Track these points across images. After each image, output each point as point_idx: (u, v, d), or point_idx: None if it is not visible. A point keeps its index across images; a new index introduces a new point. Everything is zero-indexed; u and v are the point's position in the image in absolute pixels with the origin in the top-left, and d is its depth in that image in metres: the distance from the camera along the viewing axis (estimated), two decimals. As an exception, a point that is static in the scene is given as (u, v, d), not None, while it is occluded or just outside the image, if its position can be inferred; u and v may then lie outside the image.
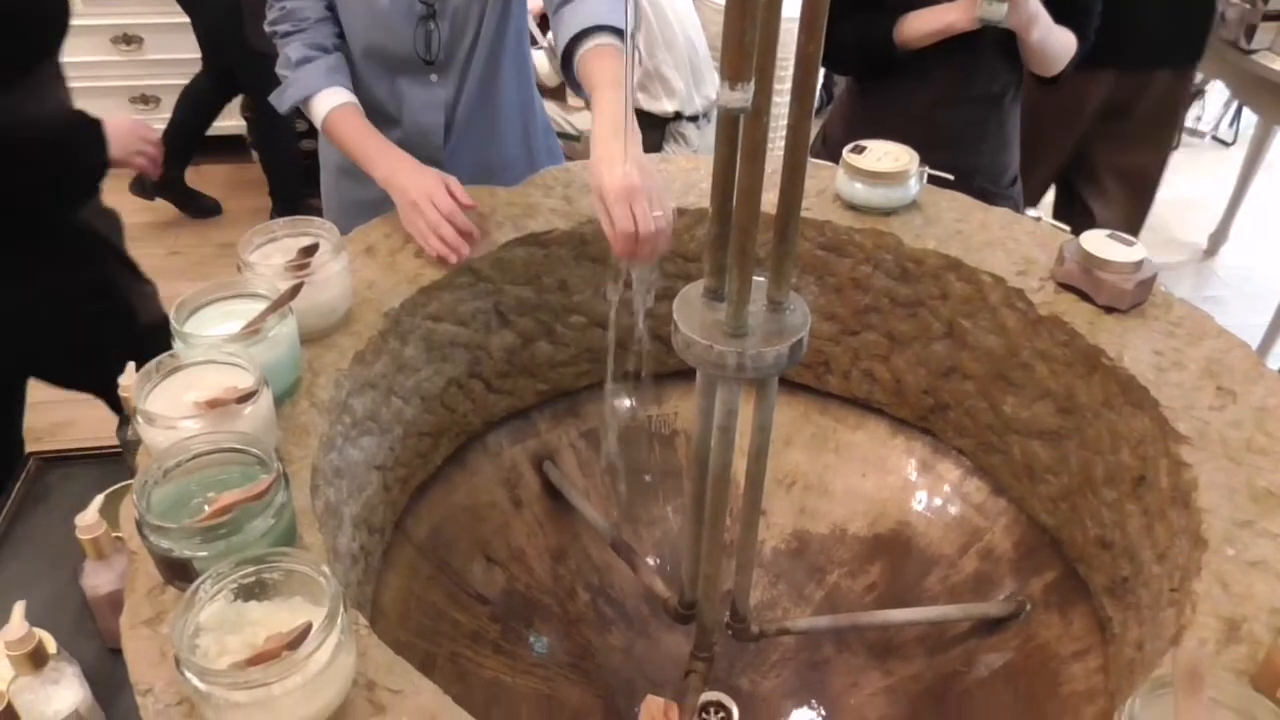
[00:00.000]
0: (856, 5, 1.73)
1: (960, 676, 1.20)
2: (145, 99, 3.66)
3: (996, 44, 1.72)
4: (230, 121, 3.55)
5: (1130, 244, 1.17)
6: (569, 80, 1.31)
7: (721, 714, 1.20)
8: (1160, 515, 1.01)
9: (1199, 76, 3.51)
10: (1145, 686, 0.62)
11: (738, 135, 0.82)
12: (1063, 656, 1.15)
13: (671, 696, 1.23)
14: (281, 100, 1.41)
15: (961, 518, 1.33)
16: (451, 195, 1.24)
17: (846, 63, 1.90)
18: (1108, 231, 1.19)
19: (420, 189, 1.24)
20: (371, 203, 1.49)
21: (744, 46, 0.67)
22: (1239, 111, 4.09)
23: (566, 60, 1.27)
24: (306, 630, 0.62)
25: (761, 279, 0.87)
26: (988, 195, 1.47)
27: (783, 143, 0.79)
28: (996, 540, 1.29)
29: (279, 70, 1.42)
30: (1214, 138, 4.19)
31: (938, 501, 1.35)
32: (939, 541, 1.32)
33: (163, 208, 3.46)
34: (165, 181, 3.38)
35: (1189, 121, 4.14)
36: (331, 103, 1.37)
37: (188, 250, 3.36)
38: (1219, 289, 3.37)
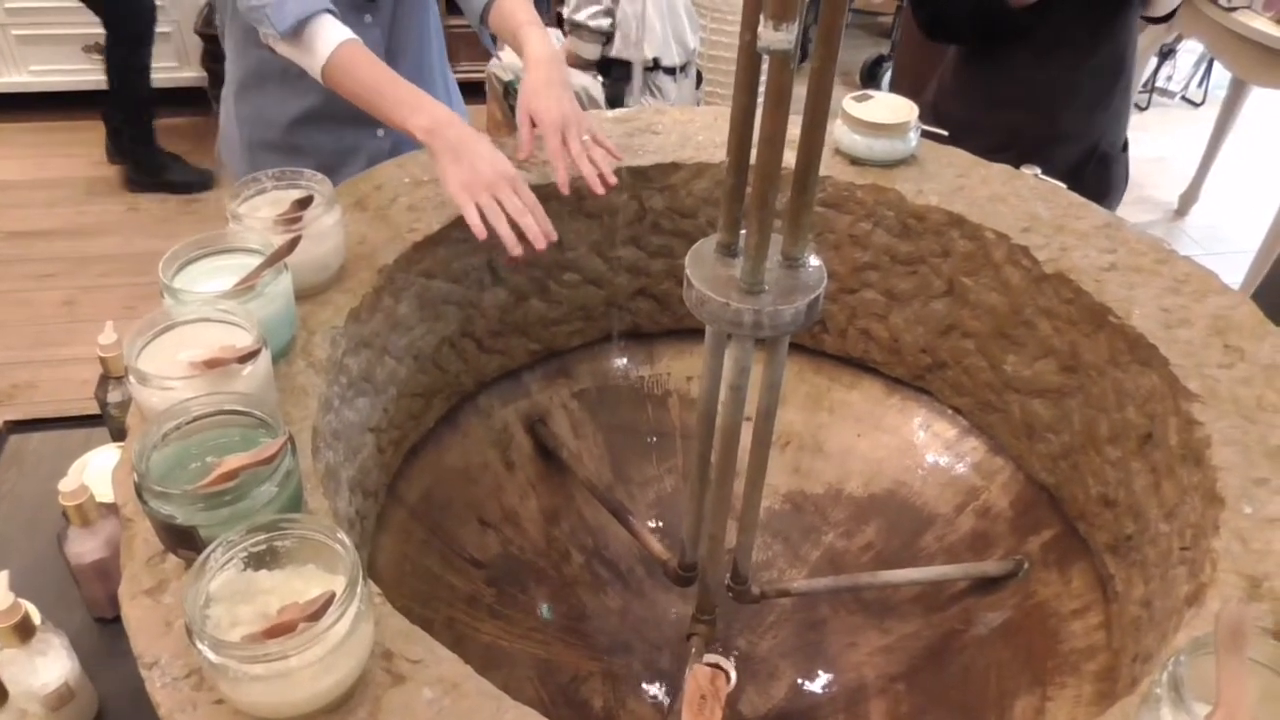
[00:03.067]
0: None
1: (959, 635, 1.20)
2: (100, 48, 3.50)
3: None
4: (190, 73, 3.42)
5: None
6: (482, 36, 1.39)
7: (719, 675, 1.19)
8: (1169, 473, 1.00)
9: (1172, 35, 3.51)
10: (1188, 646, 0.61)
11: (757, 81, 0.79)
12: (1062, 614, 1.15)
13: (671, 658, 1.23)
14: (283, 15, 1.16)
15: (958, 477, 1.32)
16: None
17: (956, 30, 1.72)
18: None
19: (497, 169, 1.09)
20: (286, 146, 1.46)
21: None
22: (1208, 72, 4.11)
23: (481, 20, 1.35)
24: (328, 601, 0.59)
25: (775, 235, 0.84)
26: (1106, 161, 1.39)
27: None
28: (994, 499, 1.29)
29: None
30: (1184, 98, 4.21)
31: (934, 461, 1.35)
32: (935, 501, 1.32)
33: (121, 161, 3.34)
34: (140, 159, 3.21)
35: (1160, 81, 4.15)
36: (342, 33, 1.18)
37: (148, 207, 3.25)
38: (1189, 248, 3.40)
